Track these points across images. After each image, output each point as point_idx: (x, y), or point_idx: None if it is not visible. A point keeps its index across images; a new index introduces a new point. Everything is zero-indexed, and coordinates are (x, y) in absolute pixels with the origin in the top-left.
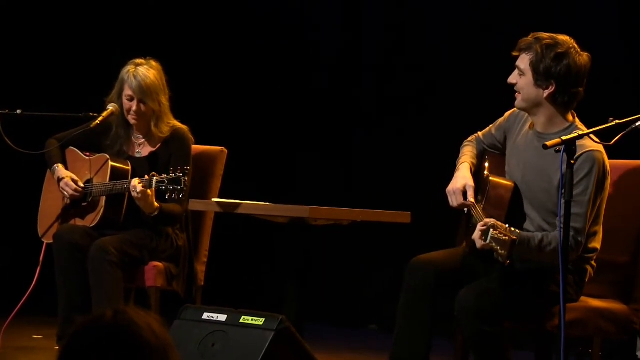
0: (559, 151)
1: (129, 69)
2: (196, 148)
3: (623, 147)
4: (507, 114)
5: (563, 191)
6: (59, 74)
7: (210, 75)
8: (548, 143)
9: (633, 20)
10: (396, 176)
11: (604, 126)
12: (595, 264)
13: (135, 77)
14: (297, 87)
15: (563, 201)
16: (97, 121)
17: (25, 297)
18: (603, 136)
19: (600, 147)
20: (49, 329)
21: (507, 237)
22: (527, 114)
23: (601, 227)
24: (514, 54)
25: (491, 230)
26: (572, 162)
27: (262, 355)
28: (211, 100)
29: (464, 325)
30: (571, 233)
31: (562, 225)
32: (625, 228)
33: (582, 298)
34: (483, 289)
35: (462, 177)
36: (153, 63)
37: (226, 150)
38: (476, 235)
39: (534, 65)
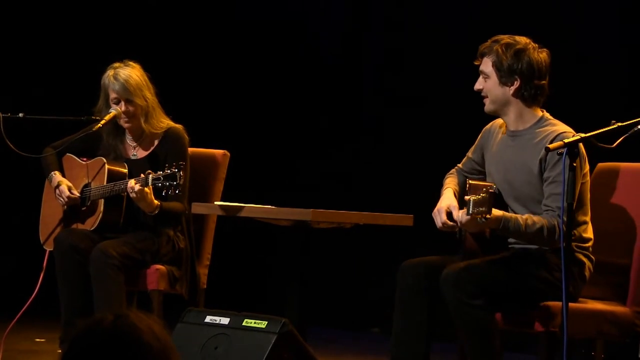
0: (561, 154)
1: (109, 73)
2: (199, 151)
3: (624, 150)
4: (480, 134)
5: (566, 189)
6: (62, 77)
7: (213, 78)
8: (550, 145)
9: (633, 20)
10: (399, 179)
11: (606, 129)
12: (593, 258)
13: (116, 78)
14: (299, 90)
15: (566, 204)
16: (99, 124)
17: (29, 302)
18: (605, 139)
19: (572, 131)
20: (51, 333)
21: (484, 194)
22: (499, 126)
23: (589, 217)
24: (476, 62)
25: (471, 199)
26: (575, 164)
27: (264, 358)
28: (213, 103)
29: (446, 297)
30: (556, 212)
31: (562, 226)
32: (626, 230)
33: (583, 300)
34: (467, 263)
35: (446, 198)
36: (131, 63)
37: (229, 154)
38: (461, 214)
39: (496, 65)
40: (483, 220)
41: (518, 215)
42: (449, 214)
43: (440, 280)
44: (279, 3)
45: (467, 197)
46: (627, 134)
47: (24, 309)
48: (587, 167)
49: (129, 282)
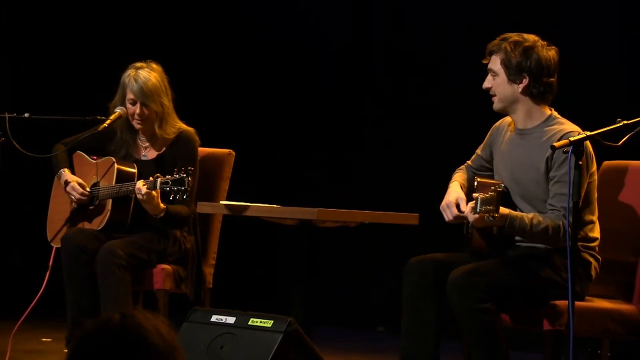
0: (566, 152)
1: (130, 72)
2: (204, 150)
3: (631, 148)
4: (489, 132)
5: (571, 191)
6: (67, 77)
7: (218, 77)
8: (556, 144)
9: (633, 18)
10: (404, 177)
11: (612, 127)
12: (599, 257)
13: (136, 80)
14: (304, 89)
15: (571, 203)
16: (104, 124)
17: (35, 300)
18: (611, 137)
19: (580, 130)
20: (58, 332)
21: (492, 193)
22: (507, 124)
23: (596, 216)
24: (484, 61)
25: (479, 197)
26: (580, 162)
27: (270, 357)
28: (219, 102)
29: (453, 302)
30: (561, 212)
31: (569, 227)
32: (631, 228)
33: (589, 298)
34: (473, 267)
35: (454, 192)
36: (154, 65)
37: (234, 153)
38: (468, 212)
39: (505, 63)
40: (490, 218)
41: (524, 214)
42: (458, 206)
43: (447, 285)
44: (281, 3)
45: (475, 195)
46: (633, 132)
47: (30, 307)
48: (594, 166)
49: (134, 282)
